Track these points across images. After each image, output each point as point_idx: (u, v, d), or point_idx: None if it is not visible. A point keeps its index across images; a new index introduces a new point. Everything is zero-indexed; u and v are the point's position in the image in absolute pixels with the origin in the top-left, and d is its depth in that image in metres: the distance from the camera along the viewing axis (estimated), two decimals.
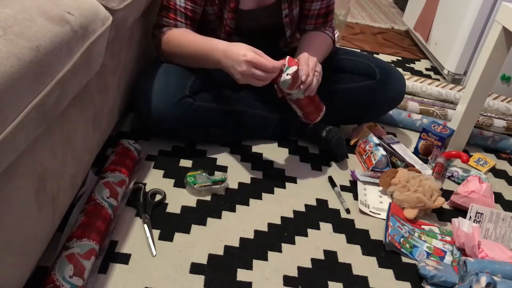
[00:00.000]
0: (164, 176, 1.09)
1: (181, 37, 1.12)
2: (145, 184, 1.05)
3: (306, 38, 1.24)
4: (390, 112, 1.48)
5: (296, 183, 1.15)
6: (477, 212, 1.06)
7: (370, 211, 1.09)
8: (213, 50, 1.04)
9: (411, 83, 1.65)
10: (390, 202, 1.10)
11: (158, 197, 1.02)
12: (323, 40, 1.25)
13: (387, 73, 1.29)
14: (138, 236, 0.91)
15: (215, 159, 1.18)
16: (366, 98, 1.29)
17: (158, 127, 1.14)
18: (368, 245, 0.99)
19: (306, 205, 1.08)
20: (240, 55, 0.97)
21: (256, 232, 0.98)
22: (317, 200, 1.10)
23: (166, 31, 1.14)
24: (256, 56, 0.96)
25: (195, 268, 0.86)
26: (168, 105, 1.09)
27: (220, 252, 0.91)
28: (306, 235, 0.99)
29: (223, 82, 1.23)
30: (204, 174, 1.08)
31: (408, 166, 1.23)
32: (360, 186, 1.16)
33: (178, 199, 1.03)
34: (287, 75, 0.98)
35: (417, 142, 1.34)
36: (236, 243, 0.94)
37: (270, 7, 1.20)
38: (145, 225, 0.93)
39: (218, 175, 1.09)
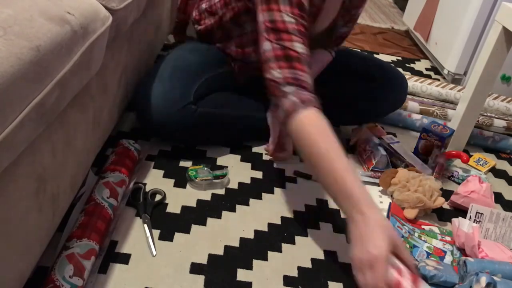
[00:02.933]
0: (164, 176, 1.09)
1: (319, 138, 0.85)
2: (145, 184, 1.05)
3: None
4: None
5: (296, 183, 1.15)
6: (477, 212, 1.06)
7: None
8: (355, 204, 0.79)
9: (411, 83, 1.65)
10: (390, 202, 1.10)
11: (158, 197, 1.02)
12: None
13: (389, 74, 1.29)
14: (138, 236, 0.91)
15: (215, 159, 1.18)
16: (368, 100, 1.29)
17: (159, 132, 1.14)
18: None
19: (306, 205, 1.08)
20: (371, 245, 0.74)
21: (256, 232, 0.98)
22: (317, 200, 1.10)
23: (302, 108, 0.87)
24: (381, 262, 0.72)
25: (195, 268, 0.86)
26: (171, 111, 1.08)
27: (220, 252, 0.91)
28: (306, 235, 0.99)
29: (226, 85, 1.22)
30: (205, 168, 1.09)
31: (408, 166, 1.23)
32: None
33: (178, 199, 1.03)
34: None
35: (417, 142, 1.34)
36: (236, 243, 0.94)
37: (321, 34, 1.20)
38: (145, 225, 0.93)
39: (219, 170, 1.11)
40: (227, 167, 1.15)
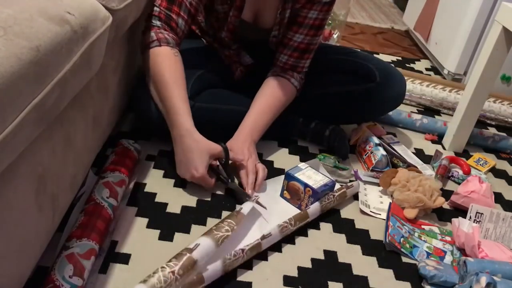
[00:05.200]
0: (164, 176, 1.09)
1: (164, 72, 1.02)
2: (145, 185, 1.05)
3: (263, 96, 1.19)
4: (390, 112, 1.48)
5: None
6: (477, 212, 1.06)
7: (370, 211, 1.09)
8: (177, 127, 1.01)
9: (412, 84, 1.65)
10: (390, 202, 1.10)
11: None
12: (280, 104, 1.20)
13: (388, 75, 1.29)
14: (138, 236, 0.91)
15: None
16: (367, 99, 1.29)
17: (158, 129, 1.14)
18: (368, 245, 0.99)
19: None
20: (192, 167, 0.99)
21: None
22: None
23: (156, 46, 1.03)
24: (203, 178, 1.00)
25: None
26: None
27: None
28: (306, 235, 0.99)
29: (223, 82, 1.23)
30: (333, 158, 1.21)
31: (409, 166, 1.23)
32: (360, 186, 1.16)
33: (178, 199, 1.03)
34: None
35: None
36: None
37: (264, 30, 1.22)
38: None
39: (344, 164, 1.22)
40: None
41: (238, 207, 0.97)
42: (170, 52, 1.04)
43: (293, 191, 1.05)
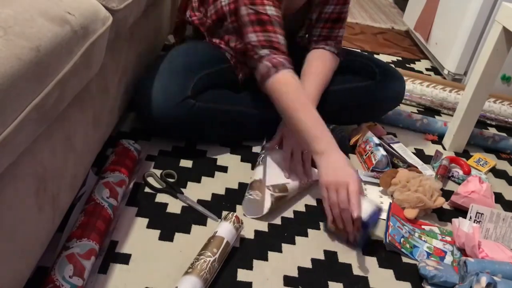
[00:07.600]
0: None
1: (292, 96, 1.03)
2: (145, 185, 1.05)
3: (310, 70, 1.19)
4: (390, 112, 1.48)
5: None
6: (477, 212, 1.06)
7: None
8: (322, 143, 0.98)
9: (412, 85, 1.65)
10: (390, 202, 1.10)
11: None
12: (324, 69, 1.20)
13: (387, 73, 1.29)
14: (138, 236, 0.91)
15: (215, 159, 1.18)
16: (366, 98, 1.29)
17: (159, 127, 1.14)
18: (368, 245, 0.99)
19: (306, 205, 1.08)
20: (349, 177, 0.93)
21: (256, 232, 0.98)
22: (317, 200, 1.10)
23: (275, 73, 1.03)
24: (357, 192, 0.92)
25: None
26: (169, 106, 1.09)
27: None
28: (306, 235, 0.99)
29: (224, 82, 1.23)
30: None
31: (410, 166, 1.23)
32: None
33: (178, 199, 1.03)
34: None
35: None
36: (236, 243, 0.94)
37: (297, 12, 1.21)
38: (188, 202, 1.01)
39: None
40: (226, 167, 1.15)
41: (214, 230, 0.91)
42: (289, 76, 1.04)
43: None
